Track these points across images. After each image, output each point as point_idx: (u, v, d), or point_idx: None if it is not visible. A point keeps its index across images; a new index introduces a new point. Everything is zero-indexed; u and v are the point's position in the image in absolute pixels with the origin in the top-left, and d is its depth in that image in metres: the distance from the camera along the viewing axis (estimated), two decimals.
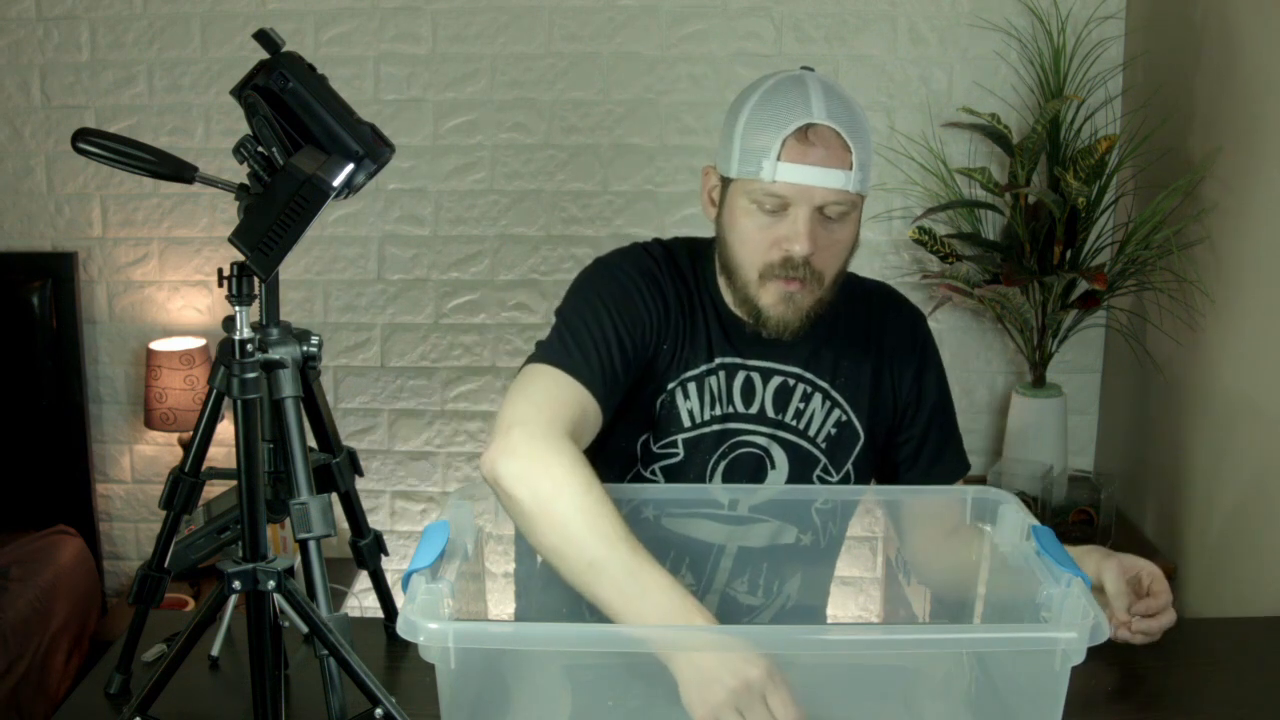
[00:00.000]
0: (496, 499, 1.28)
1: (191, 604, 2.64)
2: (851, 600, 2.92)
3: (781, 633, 1.15)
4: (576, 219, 2.80)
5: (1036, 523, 1.21)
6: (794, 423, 1.48)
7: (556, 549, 1.20)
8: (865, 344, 1.51)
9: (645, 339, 1.41)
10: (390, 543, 2.63)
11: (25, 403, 2.78)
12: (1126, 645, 1.32)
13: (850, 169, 1.33)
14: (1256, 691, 1.32)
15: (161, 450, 2.92)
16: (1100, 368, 2.82)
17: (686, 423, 1.46)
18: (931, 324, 1.62)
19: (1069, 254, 2.49)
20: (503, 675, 1.17)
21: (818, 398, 1.48)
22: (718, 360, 1.46)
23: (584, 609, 1.45)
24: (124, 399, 2.91)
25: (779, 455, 1.48)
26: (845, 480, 1.51)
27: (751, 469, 1.48)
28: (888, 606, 1.76)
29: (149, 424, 2.72)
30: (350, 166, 1.06)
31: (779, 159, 1.33)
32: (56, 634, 2.47)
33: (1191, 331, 2.29)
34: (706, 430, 1.46)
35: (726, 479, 1.47)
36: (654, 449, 1.46)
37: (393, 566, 2.63)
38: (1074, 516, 2.39)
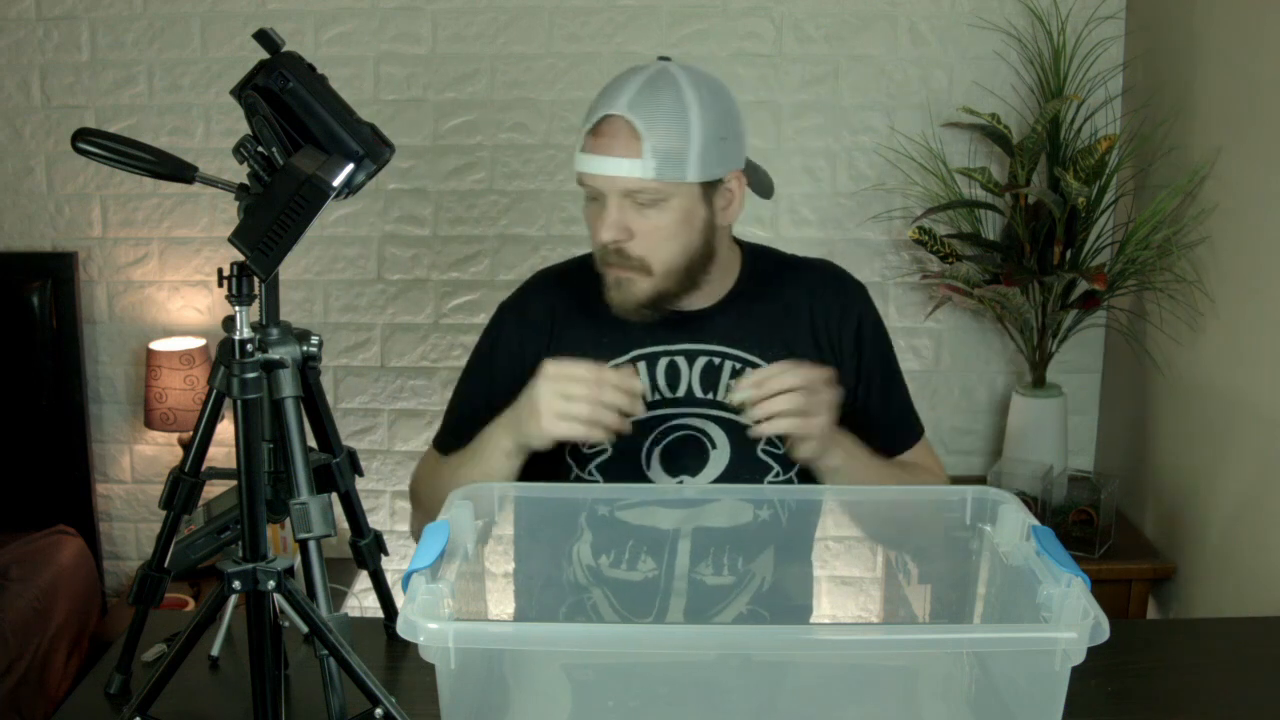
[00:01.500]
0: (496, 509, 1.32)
1: (191, 604, 2.64)
2: (851, 600, 2.92)
3: (782, 633, 1.15)
4: (576, 219, 2.80)
5: (1036, 523, 1.21)
6: (726, 399, 1.49)
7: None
8: (797, 317, 1.54)
9: (517, 372, 1.50)
10: (390, 543, 2.63)
11: (25, 403, 2.78)
12: (1127, 647, 1.33)
13: (640, 157, 1.37)
14: (1256, 691, 1.32)
15: (161, 450, 2.92)
16: (1100, 368, 2.82)
17: None
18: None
19: (1069, 254, 2.49)
20: (503, 675, 1.17)
21: (749, 373, 1.48)
22: (634, 352, 1.51)
23: (586, 609, 1.46)
24: (124, 399, 2.91)
25: (717, 434, 1.50)
26: (786, 467, 1.52)
27: (691, 451, 1.50)
28: (888, 606, 1.76)
29: (149, 424, 2.73)
30: (350, 166, 1.06)
31: (582, 151, 1.41)
32: (56, 634, 2.47)
33: (1191, 331, 2.29)
34: (630, 420, 1.48)
35: (665, 464, 1.50)
36: (583, 450, 1.51)
37: (393, 566, 2.64)
38: (1074, 516, 2.39)
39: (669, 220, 1.42)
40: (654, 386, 1.50)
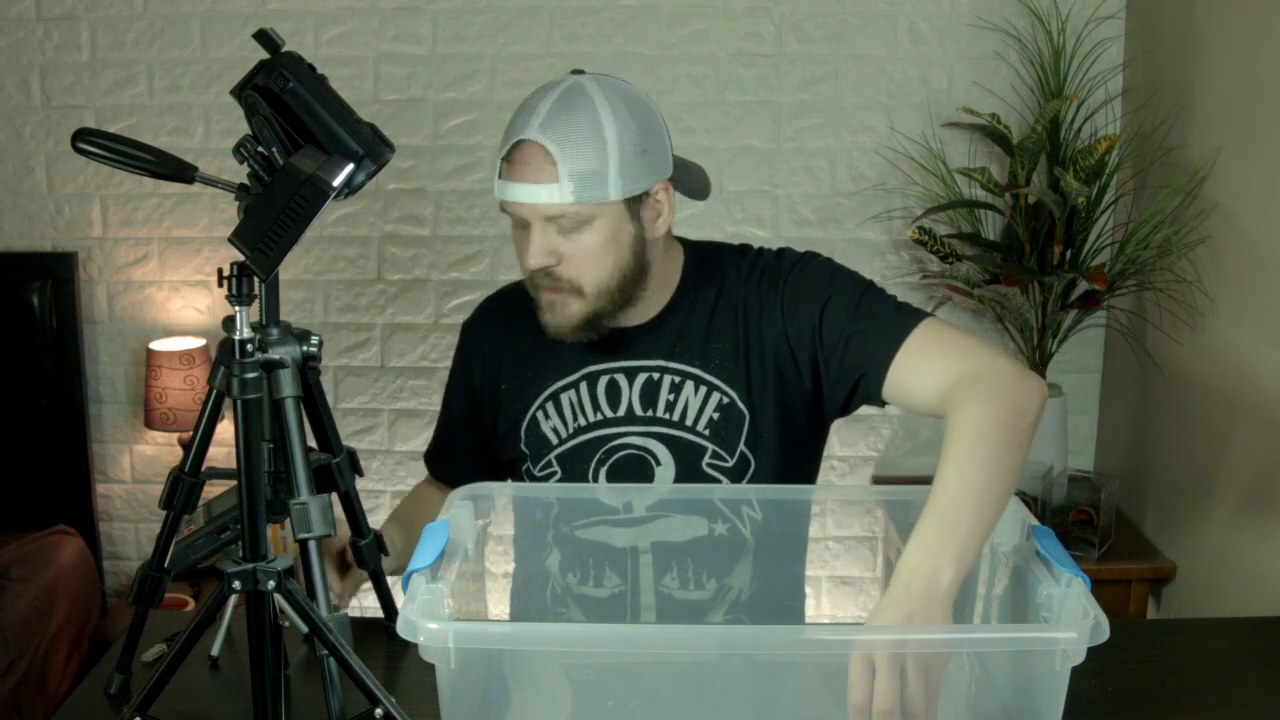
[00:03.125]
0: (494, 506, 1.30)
1: (191, 604, 2.64)
2: (851, 600, 2.92)
3: (782, 633, 1.15)
4: None
5: (1036, 523, 1.21)
6: (667, 415, 1.46)
7: None
8: (734, 317, 1.47)
9: (475, 390, 1.57)
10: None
11: (25, 403, 2.78)
12: (1127, 646, 1.32)
13: (557, 182, 1.33)
14: (1256, 691, 1.32)
15: (161, 450, 2.92)
16: (1100, 368, 2.82)
17: (553, 440, 1.49)
18: (858, 272, 1.52)
19: (1069, 254, 2.49)
20: (503, 675, 1.17)
21: (689, 385, 1.46)
22: (582, 371, 1.49)
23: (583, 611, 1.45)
24: (124, 399, 2.91)
25: (660, 451, 1.47)
26: (741, 463, 1.46)
27: (635, 470, 1.47)
28: None
29: (149, 424, 2.73)
30: (350, 166, 1.06)
31: (500, 177, 1.38)
32: (56, 634, 2.47)
33: (1191, 331, 2.29)
34: (573, 443, 1.48)
35: (612, 483, 1.48)
36: (535, 473, 1.51)
37: None
38: (1074, 516, 2.39)
39: (595, 241, 1.37)
40: (595, 405, 1.48)
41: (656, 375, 1.47)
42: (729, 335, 1.47)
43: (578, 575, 1.45)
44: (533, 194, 1.34)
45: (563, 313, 1.41)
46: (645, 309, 1.47)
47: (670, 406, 1.46)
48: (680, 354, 1.47)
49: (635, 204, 1.39)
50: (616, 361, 1.48)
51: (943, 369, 1.31)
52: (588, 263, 1.38)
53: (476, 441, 1.59)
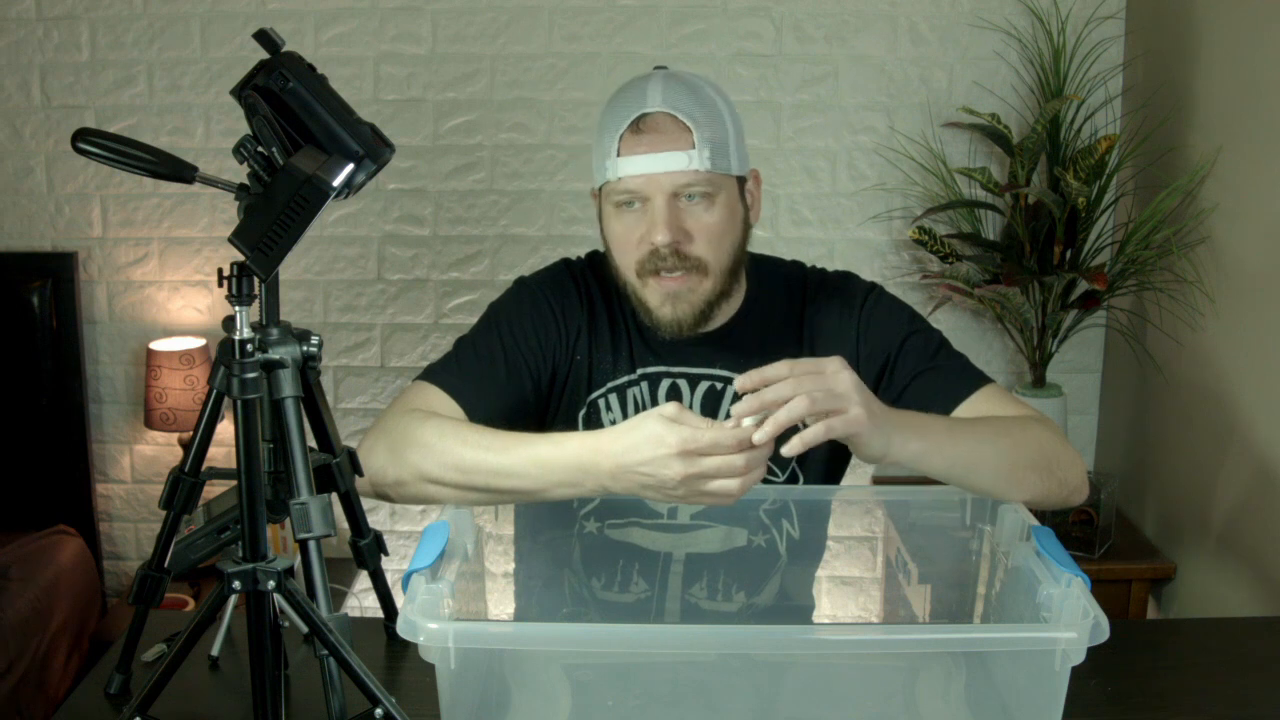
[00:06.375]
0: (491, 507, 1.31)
1: (191, 604, 2.64)
2: (851, 600, 2.92)
3: (782, 633, 1.15)
4: (576, 219, 2.80)
5: (1036, 523, 1.21)
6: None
7: (467, 485, 1.26)
8: (799, 336, 1.47)
9: (544, 351, 1.45)
10: (390, 543, 2.64)
11: (25, 403, 2.78)
12: (1127, 646, 1.32)
13: (692, 148, 1.33)
14: (1256, 691, 1.32)
15: (161, 450, 2.92)
16: (1100, 368, 2.82)
17: None
18: (931, 324, 1.58)
19: (1069, 254, 2.50)
20: (503, 675, 1.17)
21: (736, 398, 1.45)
22: (639, 371, 1.46)
23: (588, 609, 1.45)
24: (124, 399, 2.91)
25: None
26: (792, 478, 1.47)
27: None
28: (888, 606, 1.76)
29: (149, 424, 2.73)
30: (350, 166, 1.06)
31: (618, 156, 1.34)
32: (56, 634, 2.47)
33: (1191, 331, 2.29)
34: None
35: None
36: None
37: (393, 566, 2.64)
38: (1074, 516, 2.39)
39: (719, 217, 1.36)
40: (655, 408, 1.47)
41: (719, 385, 1.46)
42: (791, 350, 1.46)
43: (602, 580, 1.44)
44: (668, 162, 1.32)
45: (687, 300, 1.38)
46: (718, 314, 1.45)
47: (730, 418, 1.45)
48: (744, 366, 1.44)
49: (742, 185, 1.41)
50: (680, 367, 1.46)
51: (1012, 413, 1.37)
52: (712, 238, 1.37)
53: (503, 387, 1.43)
